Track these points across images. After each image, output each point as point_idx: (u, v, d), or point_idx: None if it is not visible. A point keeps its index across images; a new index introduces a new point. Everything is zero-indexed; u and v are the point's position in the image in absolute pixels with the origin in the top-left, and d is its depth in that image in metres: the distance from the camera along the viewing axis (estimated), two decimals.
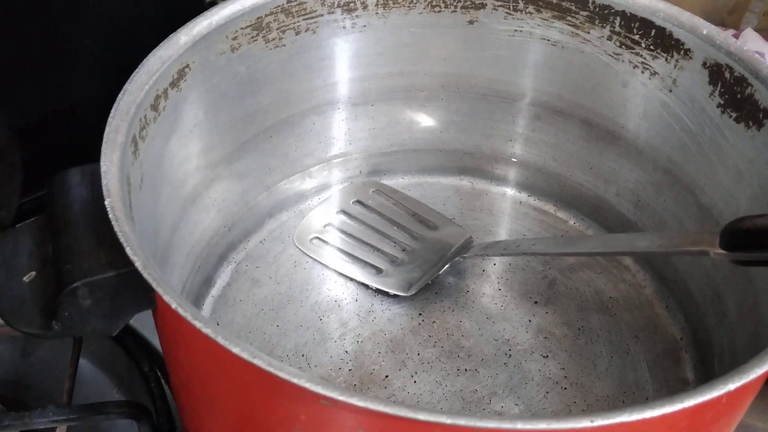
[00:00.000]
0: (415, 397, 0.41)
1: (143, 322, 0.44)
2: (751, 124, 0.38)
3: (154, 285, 0.24)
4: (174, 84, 0.36)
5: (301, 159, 0.48)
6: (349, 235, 0.47)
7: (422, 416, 0.22)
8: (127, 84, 0.33)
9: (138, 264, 0.25)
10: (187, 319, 0.23)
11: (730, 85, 0.38)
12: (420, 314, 0.45)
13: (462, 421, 0.22)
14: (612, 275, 0.47)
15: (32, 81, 0.44)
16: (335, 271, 0.46)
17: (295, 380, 0.23)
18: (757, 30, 0.62)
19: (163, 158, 0.36)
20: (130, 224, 0.28)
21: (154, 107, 0.34)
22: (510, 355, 0.43)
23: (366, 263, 0.46)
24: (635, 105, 0.44)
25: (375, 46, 0.46)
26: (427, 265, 0.45)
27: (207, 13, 0.37)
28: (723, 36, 0.38)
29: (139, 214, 0.32)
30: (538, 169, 0.50)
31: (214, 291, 0.44)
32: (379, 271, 0.45)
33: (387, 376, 0.42)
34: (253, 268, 0.46)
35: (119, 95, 0.32)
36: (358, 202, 0.49)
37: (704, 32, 0.39)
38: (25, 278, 0.28)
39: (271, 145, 0.46)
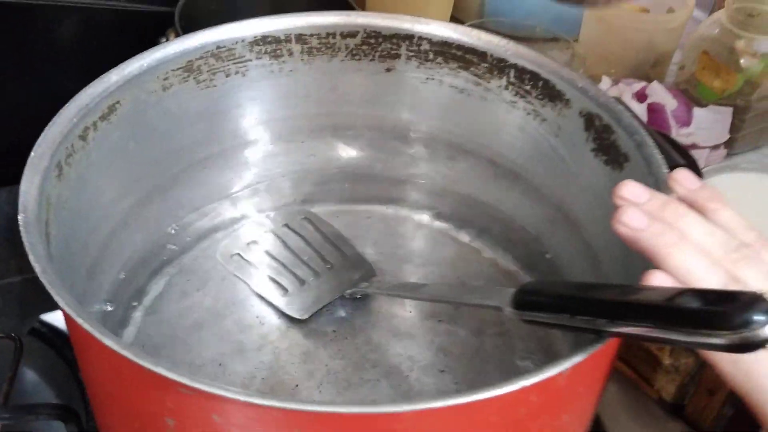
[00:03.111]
0: None
1: None
2: (615, 166, 0.42)
3: (47, 285, 0.29)
4: (104, 117, 0.41)
5: (235, 188, 0.53)
6: (269, 255, 0.52)
7: (255, 400, 0.27)
8: (55, 117, 0.38)
9: (37, 269, 0.30)
10: (67, 312, 0.28)
11: (599, 132, 0.43)
12: (334, 331, 0.49)
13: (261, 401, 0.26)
14: None
15: None
16: (246, 284, 0.50)
17: (153, 368, 0.27)
18: (676, 83, 0.67)
19: (92, 184, 0.41)
20: (41, 238, 0.33)
21: (83, 137, 0.39)
22: (412, 369, 0.47)
23: (276, 282, 0.50)
24: (531, 148, 0.49)
25: (303, 89, 0.51)
26: (327, 293, 0.50)
27: (139, 56, 0.43)
28: (594, 89, 0.43)
29: (61, 231, 0.37)
30: (456, 201, 0.55)
31: (146, 300, 0.49)
32: (285, 291, 0.50)
33: (297, 386, 0.46)
34: (184, 281, 0.51)
35: (47, 126, 0.37)
36: (286, 225, 0.54)
37: (579, 85, 0.44)
38: None
39: (205, 175, 0.51)
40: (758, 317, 0.24)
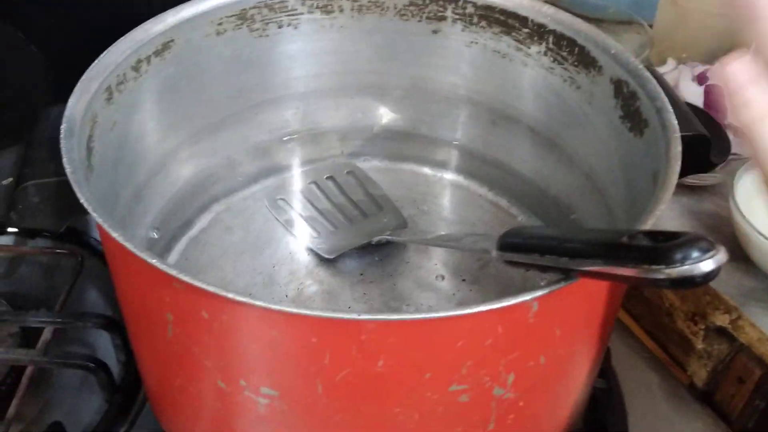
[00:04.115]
0: None
1: None
2: (637, 132, 0.43)
3: (73, 184, 0.33)
4: (158, 53, 0.45)
5: (285, 137, 0.56)
6: (310, 202, 0.55)
7: (232, 296, 0.30)
8: (110, 47, 0.42)
9: (68, 169, 0.34)
10: (85, 205, 0.32)
11: (626, 99, 0.43)
12: (361, 274, 0.52)
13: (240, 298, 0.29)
14: None
15: None
16: (283, 226, 0.53)
17: (149, 260, 0.31)
18: None
19: (142, 113, 0.45)
20: (80, 147, 0.37)
21: (135, 68, 0.43)
22: None
23: (311, 225, 0.53)
24: (566, 115, 0.49)
25: (352, 46, 0.53)
26: (356, 237, 0.52)
27: (193, 1, 0.46)
28: (625, 56, 0.44)
29: (107, 150, 0.41)
30: (495, 166, 0.56)
31: (192, 232, 0.53)
32: (318, 233, 0.53)
33: None
34: (229, 218, 0.55)
35: (102, 55, 0.41)
36: (331, 177, 0.57)
37: (612, 51, 0.44)
38: (4, 182, 0.37)
39: (256, 121, 0.54)
40: (696, 253, 0.25)
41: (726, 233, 0.57)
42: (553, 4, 0.72)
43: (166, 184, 0.50)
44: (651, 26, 0.73)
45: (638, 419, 0.53)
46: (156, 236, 0.50)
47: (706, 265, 0.25)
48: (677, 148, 0.37)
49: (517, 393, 0.34)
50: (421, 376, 0.32)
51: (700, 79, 0.61)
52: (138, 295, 0.35)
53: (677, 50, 0.71)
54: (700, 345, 0.56)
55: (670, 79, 0.62)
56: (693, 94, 0.60)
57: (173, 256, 0.51)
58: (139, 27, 0.44)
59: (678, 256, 0.25)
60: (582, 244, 0.29)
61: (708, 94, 0.59)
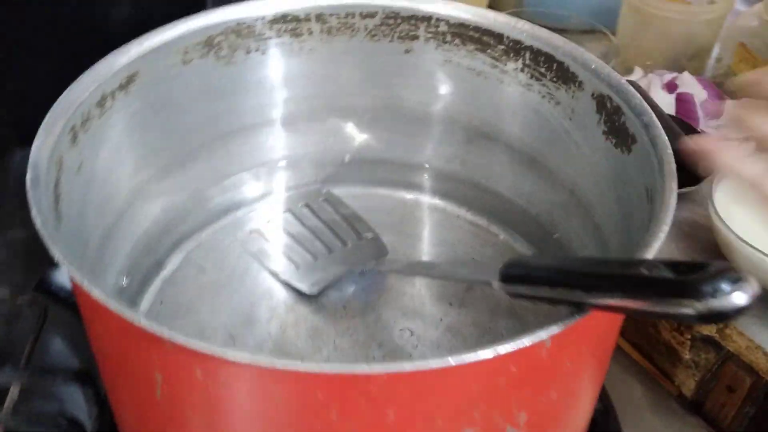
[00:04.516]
0: None
1: None
2: (623, 149, 0.42)
3: (43, 236, 0.30)
4: (122, 87, 0.42)
5: (256, 165, 0.54)
6: (286, 232, 0.53)
7: (230, 355, 0.28)
8: (73, 84, 0.39)
9: (38, 223, 0.31)
10: (59, 261, 0.29)
11: (610, 114, 0.43)
12: (344, 307, 0.50)
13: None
14: None
15: None
16: (259, 261, 0.51)
17: (140, 323, 0.28)
18: (713, 76, 0.66)
19: (109, 151, 0.42)
20: (48, 195, 0.34)
21: (100, 105, 0.41)
22: (416, 348, 0.48)
23: (288, 258, 0.51)
24: (546, 131, 0.48)
25: (323, 69, 0.52)
26: (337, 269, 0.50)
27: (159, 29, 0.44)
28: (606, 70, 0.43)
29: (74, 195, 0.39)
30: (473, 185, 0.55)
31: (164, 273, 0.51)
32: (297, 266, 0.51)
33: (302, 359, 0.47)
34: (202, 257, 0.52)
35: (65, 92, 0.39)
36: (306, 205, 0.55)
37: (593, 66, 0.44)
38: None
39: (226, 150, 0.52)
40: (725, 286, 0.24)
41: (704, 240, 0.57)
42: (517, 17, 0.71)
43: (135, 224, 0.47)
44: (614, 34, 0.73)
45: None
46: (125, 282, 0.47)
47: (739, 298, 0.24)
48: (671, 165, 0.37)
49: (529, 430, 0.33)
50: (432, 423, 0.30)
51: (670, 87, 0.61)
52: (121, 354, 0.33)
53: (641, 57, 0.71)
54: (687, 355, 0.56)
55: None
56: (664, 103, 0.60)
57: (147, 299, 0.49)
58: (101, 60, 0.41)
59: (707, 289, 0.24)
60: (599, 277, 0.28)
61: (679, 102, 0.59)
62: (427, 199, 0.57)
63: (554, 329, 0.29)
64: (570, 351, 0.32)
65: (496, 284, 0.33)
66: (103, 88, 0.41)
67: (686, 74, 0.61)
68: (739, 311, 0.24)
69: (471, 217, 0.56)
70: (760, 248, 0.50)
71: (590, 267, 0.29)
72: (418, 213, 0.56)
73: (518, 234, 0.54)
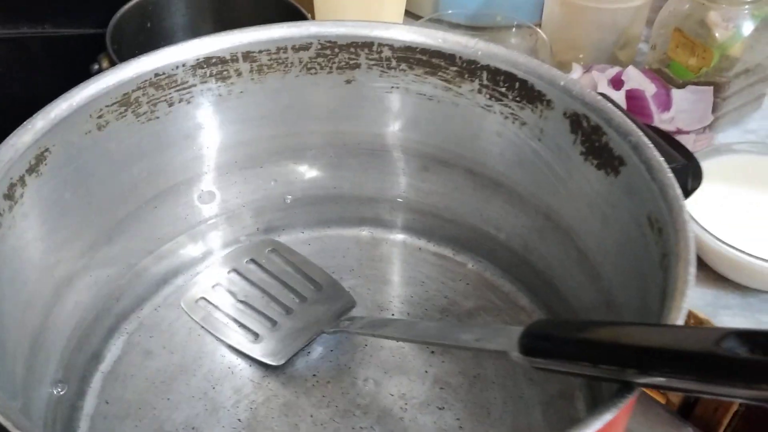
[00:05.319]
0: None
1: None
2: (609, 170, 0.38)
3: None
4: (32, 170, 0.36)
5: (192, 225, 0.48)
6: (235, 297, 0.47)
7: None
8: None
9: None
10: None
11: (588, 134, 0.39)
12: (314, 375, 0.45)
13: None
14: (508, 317, 0.48)
15: None
16: (213, 335, 0.45)
17: None
18: (648, 63, 0.64)
19: (25, 246, 0.36)
20: None
21: (9, 197, 0.34)
22: (406, 410, 0.43)
23: (245, 327, 0.46)
24: (511, 154, 0.45)
25: (256, 111, 0.46)
26: (302, 332, 0.45)
27: (65, 95, 0.38)
28: (578, 87, 0.39)
29: None
30: (433, 215, 0.51)
31: (104, 366, 0.44)
32: (256, 336, 0.45)
33: None
34: (146, 338, 0.46)
35: None
36: (252, 261, 0.49)
37: (561, 83, 0.40)
38: None
39: (156, 216, 0.46)
40: None
41: None
42: (437, 21, 0.67)
43: (64, 318, 0.41)
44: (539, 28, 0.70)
45: None
46: (61, 390, 0.41)
47: None
48: (676, 190, 0.33)
49: None
50: None
51: (616, 83, 0.58)
52: None
53: (571, 51, 0.69)
54: None
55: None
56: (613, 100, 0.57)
57: (89, 402, 0.42)
58: (3, 144, 0.34)
59: None
60: (659, 355, 0.24)
61: (630, 99, 0.56)
62: (384, 235, 0.52)
63: (608, 416, 0.25)
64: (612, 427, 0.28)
65: (517, 356, 0.29)
66: (9, 175, 0.34)
67: (631, 68, 0.58)
68: None
69: (434, 248, 0.51)
70: (734, 245, 0.49)
71: (645, 339, 0.25)
72: (376, 251, 0.52)
73: (488, 261, 0.50)
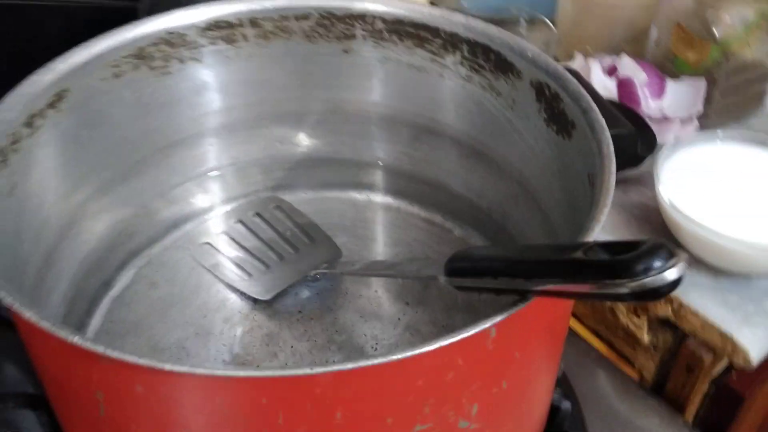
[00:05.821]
0: None
1: None
2: (564, 135, 0.42)
3: None
4: (52, 105, 0.41)
5: (201, 176, 0.53)
6: (237, 243, 0.52)
7: (168, 366, 0.27)
8: None
9: None
10: None
11: (549, 101, 0.43)
12: (299, 311, 0.49)
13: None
14: None
15: None
16: (211, 273, 0.50)
17: (72, 339, 0.28)
18: (653, 56, 0.66)
19: (43, 171, 0.41)
20: None
21: (28, 124, 0.40)
22: (376, 349, 0.47)
23: (241, 268, 0.50)
24: (489, 123, 0.48)
25: (262, 74, 0.51)
26: (290, 274, 0.50)
27: (86, 43, 0.43)
28: (543, 58, 0.43)
29: (8, 219, 0.38)
30: (424, 182, 0.55)
31: (113, 292, 0.49)
32: (249, 275, 0.50)
33: (258, 366, 0.46)
34: (153, 272, 0.51)
35: None
36: (257, 214, 0.54)
37: (529, 55, 0.44)
38: None
39: (168, 163, 0.51)
40: (658, 263, 0.24)
41: (655, 223, 0.57)
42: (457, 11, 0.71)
43: (78, 243, 0.46)
44: (553, 22, 0.73)
45: (595, 423, 0.52)
46: (70, 305, 0.46)
47: (670, 274, 0.24)
48: (610, 148, 0.37)
49: (482, 422, 0.33)
50: (382, 422, 0.30)
51: (611, 71, 0.61)
52: (62, 375, 0.32)
53: (582, 44, 0.71)
54: (645, 338, 0.56)
55: (581, 73, 0.62)
56: (606, 88, 0.60)
57: (96, 320, 0.48)
58: (26, 80, 0.40)
59: (639, 267, 0.24)
60: (537, 264, 0.27)
61: (621, 86, 0.59)
62: (379, 199, 0.56)
63: (497, 318, 0.29)
64: (517, 339, 0.31)
65: (443, 279, 0.33)
66: (30, 107, 0.40)
67: (625, 57, 0.61)
68: (672, 286, 0.24)
69: (425, 214, 0.55)
70: (707, 226, 0.51)
71: (530, 254, 0.29)
72: (370, 213, 0.56)
73: (472, 228, 0.54)
